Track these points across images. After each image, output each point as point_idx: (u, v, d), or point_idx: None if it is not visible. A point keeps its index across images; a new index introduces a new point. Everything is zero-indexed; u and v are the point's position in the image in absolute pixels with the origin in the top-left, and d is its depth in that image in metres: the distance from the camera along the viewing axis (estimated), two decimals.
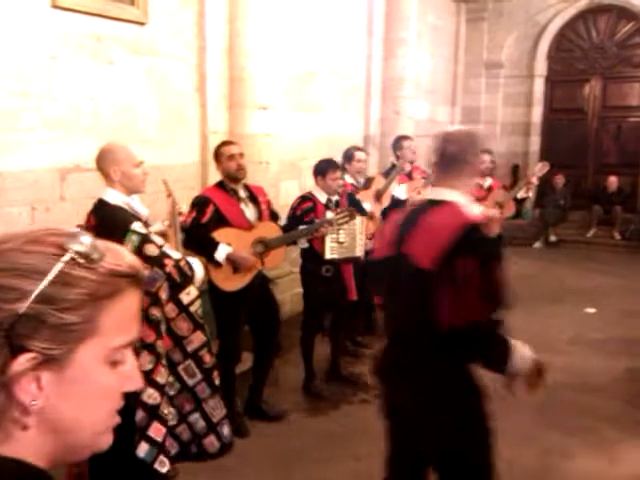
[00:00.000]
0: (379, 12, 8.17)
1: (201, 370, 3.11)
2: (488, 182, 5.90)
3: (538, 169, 5.98)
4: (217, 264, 3.75)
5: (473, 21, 10.90)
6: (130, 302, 0.75)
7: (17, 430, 0.69)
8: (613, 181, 10.25)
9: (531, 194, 5.83)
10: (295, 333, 4.72)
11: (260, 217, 4.00)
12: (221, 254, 3.74)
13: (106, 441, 0.77)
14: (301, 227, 4.25)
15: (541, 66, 10.92)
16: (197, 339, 3.05)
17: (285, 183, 6.29)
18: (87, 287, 0.70)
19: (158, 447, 2.83)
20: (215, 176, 5.23)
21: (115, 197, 2.97)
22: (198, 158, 5.35)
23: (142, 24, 4.67)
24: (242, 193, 3.98)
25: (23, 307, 0.66)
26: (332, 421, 4.12)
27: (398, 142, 5.90)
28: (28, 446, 0.70)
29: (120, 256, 0.75)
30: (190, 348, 3.03)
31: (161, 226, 3.40)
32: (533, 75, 10.94)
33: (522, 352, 2.22)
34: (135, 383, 0.77)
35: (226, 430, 3.25)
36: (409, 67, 8.40)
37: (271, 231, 3.98)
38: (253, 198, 4.03)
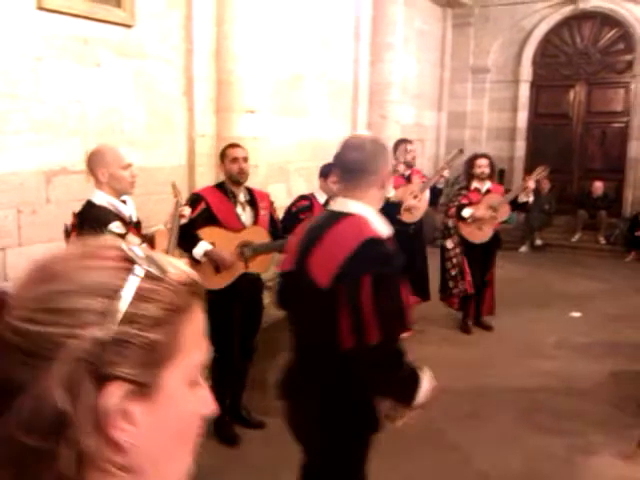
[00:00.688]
0: (366, 16, 8.20)
1: None
2: (487, 186, 5.93)
3: (536, 172, 6.03)
4: (196, 261, 3.74)
5: (459, 26, 10.97)
6: (200, 315, 0.68)
7: (112, 472, 0.60)
8: (599, 186, 10.33)
9: (531, 198, 5.88)
10: (282, 336, 4.70)
11: (256, 222, 4.00)
12: (199, 250, 3.73)
13: None
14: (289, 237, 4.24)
15: (526, 71, 11.01)
16: None
17: (272, 187, 6.28)
18: (165, 301, 0.63)
19: None
20: (202, 179, 5.24)
21: (101, 198, 3.00)
22: (185, 161, 5.33)
23: (129, 26, 4.64)
24: (242, 197, 3.98)
25: (104, 330, 0.58)
26: None
27: (395, 146, 5.92)
28: None
29: (179, 267, 0.67)
30: None
31: (162, 227, 3.42)
32: (519, 80, 11.03)
33: (427, 383, 2.13)
34: (211, 407, 0.70)
35: None
36: (396, 72, 8.43)
37: (259, 236, 3.97)
38: (253, 203, 4.03)
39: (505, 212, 5.86)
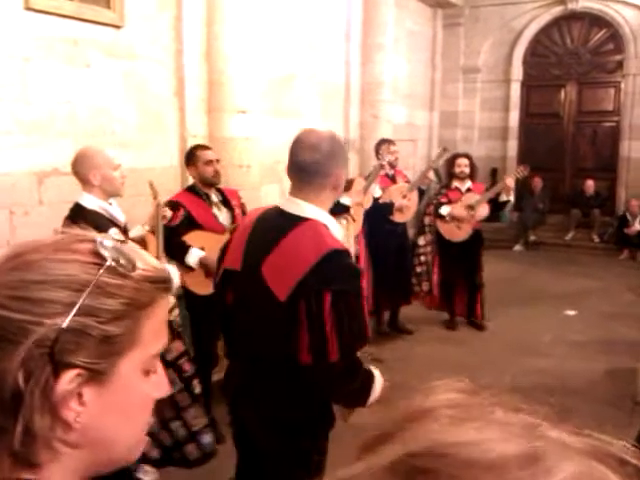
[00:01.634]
0: (357, 17, 8.19)
1: (181, 379, 3.08)
2: (467, 185, 5.94)
3: (516, 171, 6.03)
4: (189, 268, 3.69)
5: (450, 27, 10.98)
6: (163, 308, 0.72)
7: (60, 449, 0.65)
8: (590, 185, 10.37)
9: (512, 197, 5.86)
10: None
11: (234, 221, 3.95)
12: (194, 258, 3.68)
13: (137, 454, 0.74)
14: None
15: (517, 71, 11.03)
16: (176, 348, 3.04)
17: (265, 187, 6.25)
18: (127, 296, 0.67)
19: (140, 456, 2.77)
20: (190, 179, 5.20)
21: (92, 202, 2.92)
22: (177, 161, 5.29)
23: (118, 27, 4.61)
24: (215, 197, 3.95)
25: (66, 321, 0.63)
26: None
27: (377, 146, 5.92)
28: (69, 465, 0.67)
29: (147, 260, 0.71)
30: (169, 357, 3.00)
31: (141, 231, 3.34)
32: (509, 80, 11.05)
33: (378, 382, 2.10)
34: (165, 389, 0.75)
35: (207, 439, 3.19)
36: (386, 72, 8.42)
37: None
38: (226, 202, 3.99)
39: (483, 211, 5.84)
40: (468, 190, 5.91)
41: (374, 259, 5.48)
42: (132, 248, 0.71)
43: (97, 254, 0.67)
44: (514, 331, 5.96)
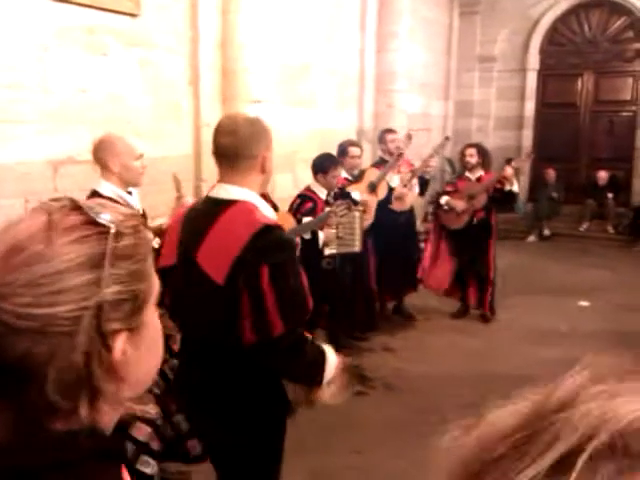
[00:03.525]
0: (372, 5, 8.15)
1: None
2: (477, 174, 5.91)
3: (517, 160, 5.99)
4: None
5: (466, 15, 10.89)
6: (149, 248, 0.77)
7: (118, 401, 0.72)
8: (603, 176, 10.27)
9: (515, 187, 5.81)
10: None
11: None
12: None
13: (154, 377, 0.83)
14: (307, 219, 4.27)
15: (534, 60, 10.92)
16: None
17: (279, 177, 6.27)
18: (139, 252, 0.72)
19: (141, 446, 2.78)
20: (208, 168, 5.22)
21: (108, 189, 2.92)
22: (192, 150, 5.32)
23: (135, 16, 4.63)
24: None
25: (100, 296, 0.67)
26: (329, 413, 4.11)
27: (381, 135, 5.91)
28: (116, 406, 0.73)
29: (123, 212, 0.74)
30: (176, 347, 3.00)
31: (163, 222, 3.37)
32: (526, 69, 10.95)
33: (331, 358, 2.04)
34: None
35: None
36: (401, 61, 8.38)
37: (287, 221, 3.98)
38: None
39: (482, 200, 5.82)
40: (478, 179, 5.90)
41: (379, 247, 5.49)
42: (105, 203, 0.75)
43: (93, 223, 0.69)
44: (527, 321, 5.95)
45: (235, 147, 1.98)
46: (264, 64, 5.64)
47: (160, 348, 0.80)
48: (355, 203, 4.76)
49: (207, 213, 2.01)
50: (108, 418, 0.73)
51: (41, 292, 0.65)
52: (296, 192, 4.99)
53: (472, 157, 5.88)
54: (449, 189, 6.08)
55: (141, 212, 3.05)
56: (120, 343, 0.68)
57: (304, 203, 4.53)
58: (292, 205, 4.63)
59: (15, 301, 0.64)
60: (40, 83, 4.01)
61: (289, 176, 6.58)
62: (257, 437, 2.04)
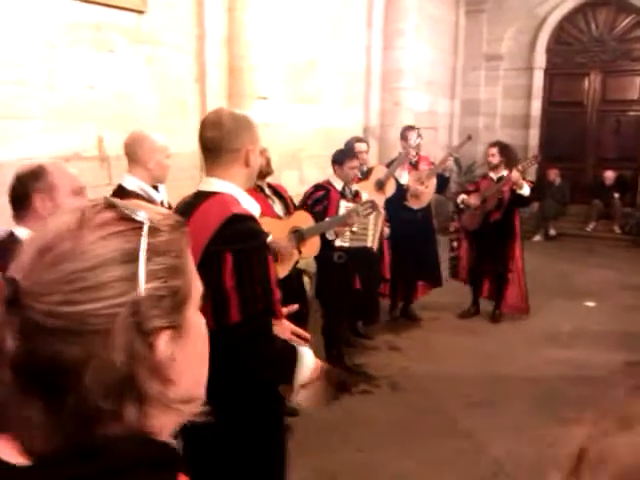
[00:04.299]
0: (378, 3, 8.13)
1: None
2: (500, 174, 5.85)
3: (523, 163, 5.92)
4: None
5: (472, 13, 10.86)
6: (189, 248, 0.75)
7: (167, 407, 0.69)
8: (610, 176, 10.24)
9: (526, 190, 5.72)
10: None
11: (288, 211, 3.98)
12: None
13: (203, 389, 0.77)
14: (328, 219, 4.29)
15: (540, 59, 10.89)
16: None
17: (285, 174, 6.26)
18: (174, 248, 0.70)
19: None
20: None
21: (132, 183, 2.98)
22: (198, 147, 5.30)
23: (142, 13, 4.62)
24: (267, 190, 3.97)
25: (138, 293, 0.64)
26: (333, 412, 4.10)
27: (402, 132, 5.88)
28: (164, 419, 0.70)
29: (161, 212, 0.73)
30: None
31: None
32: (532, 68, 10.91)
33: (308, 361, 1.99)
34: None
35: None
36: (408, 58, 8.36)
37: (305, 220, 3.98)
38: (277, 194, 4.02)
39: (493, 202, 5.80)
40: (499, 179, 5.85)
41: (393, 244, 5.47)
42: (138, 204, 0.72)
43: (127, 219, 0.67)
44: (534, 321, 5.93)
45: (219, 140, 2.01)
46: (270, 61, 5.63)
47: (206, 356, 0.77)
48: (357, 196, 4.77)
49: (190, 205, 2.05)
50: (159, 423, 0.69)
51: (72, 289, 0.62)
52: (302, 189, 5.00)
53: (494, 157, 5.84)
54: (470, 188, 6.09)
55: (167, 205, 3.07)
56: (163, 342, 0.66)
57: (316, 191, 4.59)
58: (305, 193, 4.67)
59: (46, 300, 0.62)
60: (47, 80, 4.00)
61: (295, 173, 6.57)
62: (254, 434, 2.01)
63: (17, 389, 0.62)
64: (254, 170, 2.12)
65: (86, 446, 0.63)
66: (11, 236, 2.02)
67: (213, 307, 1.85)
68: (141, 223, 0.67)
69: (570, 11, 10.64)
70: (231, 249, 1.87)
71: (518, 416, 4.07)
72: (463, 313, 6.13)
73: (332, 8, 7.13)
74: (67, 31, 4.10)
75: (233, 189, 2.03)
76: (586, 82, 10.84)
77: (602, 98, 10.79)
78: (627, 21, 10.34)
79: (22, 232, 1.94)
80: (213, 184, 2.04)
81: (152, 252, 0.66)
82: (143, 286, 0.64)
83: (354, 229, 4.39)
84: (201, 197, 2.03)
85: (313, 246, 4.06)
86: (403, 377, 4.66)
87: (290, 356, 1.98)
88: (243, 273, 1.88)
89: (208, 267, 1.82)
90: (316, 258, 4.59)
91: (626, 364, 4.91)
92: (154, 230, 0.68)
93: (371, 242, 4.63)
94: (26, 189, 2.02)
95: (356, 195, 4.66)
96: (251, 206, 2.05)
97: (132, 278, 0.64)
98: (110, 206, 0.68)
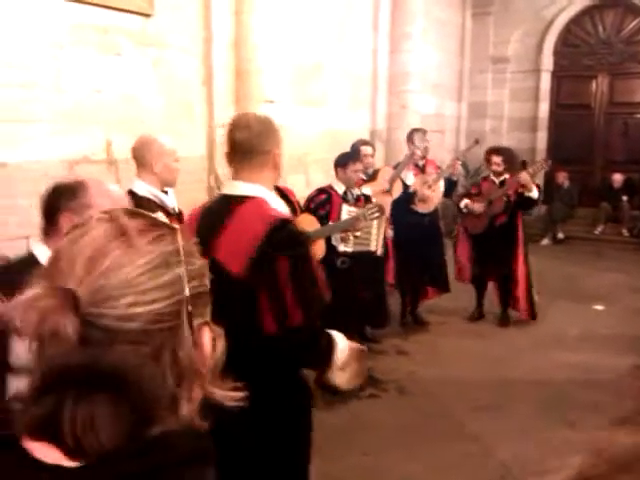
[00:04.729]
0: (385, 6, 8.13)
1: None
2: (502, 178, 5.85)
3: (533, 167, 5.90)
4: None
5: (479, 16, 10.84)
6: None
7: (205, 381, 0.74)
8: (618, 179, 10.20)
9: (534, 193, 5.69)
10: None
11: (295, 214, 3.99)
12: None
13: None
14: (332, 222, 4.29)
15: (547, 61, 10.86)
16: None
17: (291, 177, 6.26)
18: (195, 249, 0.76)
19: None
20: (222, 169, 5.21)
21: (142, 188, 2.97)
22: (205, 151, 5.31)
23: (148, 16, 4.64)
24: (274, 193, 3.98)
25: (187, 290, 0.70)
26: (340, 416, 4.09)
27: (409, 135, 5.88)
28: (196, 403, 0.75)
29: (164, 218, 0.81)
30: None
31: None
32: (539, 70, 10.87)
33: (341, 343, 2.06)
34: None
35: None
36: (414, 61, 8.35)
37: (311, 223, 3.99)
38: (285, 197, 4.02)
39: (500, 205, 5.78)
40: (502, 183, 5.84)
41: (398, 248, 5.45)
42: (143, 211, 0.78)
43: (158, 225, 0.73)
44: (542, 325, 5.90)
45: (250, 142, 2.03)
46: (277, 64, 5.64)
47: None
48: (367, 199, 4.75)
49: (222, 210, 2.05)
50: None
51: (138, 291, 0.66)
52: (308, 193, 4.98)
53: (499, 166, 5.84)
54: (473, 191, 6.07)
55: (177, 211, 3.07)
56: (207, 337, 0.73)
57: (318, 195, 4.59)
58: (308, 197, 4.66)
59: (115, 304, 0.65)
60: (54, 83, 4.02)
61: (302, 177, 6.57)
62: (285, 431, 2.05)
63: (76, 393, 0.64)
64: (280, 173, 2.17)
65: (140, 443, 0.66)
66: (31, 256, 1.85)
67: (274, 312, 1.91)
68: (173, 227, 0.73)
69: (577, 13, 10.61)
70: (285, 255, 1.90)
71: (525, 419, 4.04)
72: (470, 316, 6.11)
73: (338, 11, 7.14)
74: (74, 34, 4.12)
75: (264, 192, 2.05)
76: (594, 84, 10.80)
77: (610, 100, 10.74)
78: (634, 23, 10.30)
79: (41, 251, 1.80)
80: (244, 188, 2.05)
81: (186, 253, 0.72)
82: (189, 284, 0.70)
83: (357, 233, 4.38)
84: (232, 201, 2.03)
85: (319, 249, 4.06)
86: (410, 381, 4.65)
87: (328, 341, 2.04)
88: (298, 278, 1.91)
89: (261, 273, 1.89)
90: (320, 263, 4.58)
91: (635, 367, 4.88)
92: (182, 235, 0.73)
93: (375, 246, 4.61)
94: (56, 205, 1.87)
95: (358, 199, 4.63)
96: (281, 208, 2.10)
97: (179, 279, 0.69)
98: (133, 213, 0.73)
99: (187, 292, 0.69)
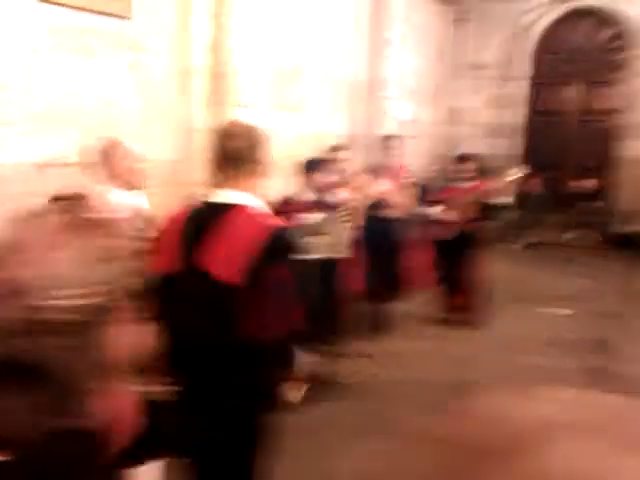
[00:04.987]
0: (364, 11, 8.19)
1: None
2: (471, 183, 5.95)
3: (509, 173, 6.01)
4: None
5: (458, 22, 10.96)
6: None
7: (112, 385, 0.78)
8: (588, 184, 10.38)
9: (508, 199, 5.84)
10: None
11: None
12: None
13: None
14: (298, 227, 4.31)
15: (525, 68, 11.01)
16: None
17: (269, 182, 6.29)
18: (132, 249, 0.83)
19: None
20: (198, 173, 5.23)
21: (111, 192, 3.00)
22: (182, 154, 5.33)
23: (125, 18, 4.65)
24: None
25: (115, 289, 0.75)
26: (299, 419, 4.13)
27: (382, 141, 5.96)
28: None
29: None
30: None
31: None
32: (517, 77, 11.02)
33: (298, 360, 2.16)
34: None
35: None
36: (393, 67, 8.44)
37: None
38: None
39: (474, 210, 5.87)
40: (470, 189, 5.93)
41: (369, 253, 5.51)
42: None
43: (95, 223, 0.79)
44: (509, 329, 5.99)
45: (240, 152, 2.08)
46: (255, 68, 5.67)
47: None
48: (338, 204, 4.78)
49: (209, 217, 2.06)
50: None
51: (68, 284, 0.69)
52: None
53: (469, 173, 5.93)
54: (441, 197, 6.08)
55: (148, 213, 3.10)
56: (133, 334, 0.78)
57: (285, 201, 4.57)
58: (275, 203, 4.64)
59: (43, 295, 0.67)
60: (27, 85, 4.02)
61: (280, 181, 6.58)
62: (237, 430, 2.09)
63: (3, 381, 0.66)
64: (265, 181, 2.20)
65: (46, 436, 0.68)
66: None
67: (273, 316, 1.95)
68: (112, 226, 0.74)
69: (555, 21, 10.77)
70: (284, 262, 1.98)
71: None
72: (437, 320, 6.18)
73: (318, 16, 7.19)
74: (49, 36, 4.12)
75: (252, 200, 2.08)
76: (570, 92, 10.97)
77: (585, 108, 10.91)
78: (609, 32, 10.49)
79: None
80: (233, 196, 2.07)
81: (120, 253, 0.75)
82: (119, 283, 0.71)
83: (331, 240, 4.41)
84: (225, 210, 2.04)
85: None
86: (371, 384, 4.70)
87: (291, 358, 2.11)
88: (286, 286, 1.98)
89: (255, 280, 1.91)
90: None
91: (602, 371, 4.97)
92: (117, 232, 0.75)
93: (336, 252, 4.62)
94: None
95: (327, 204, 4.66)
96: (271, 215, 2.13)
97: (111, 276, 0.72)
98: (72, 209, 0.76)
99: (117, 289, 0.71)
